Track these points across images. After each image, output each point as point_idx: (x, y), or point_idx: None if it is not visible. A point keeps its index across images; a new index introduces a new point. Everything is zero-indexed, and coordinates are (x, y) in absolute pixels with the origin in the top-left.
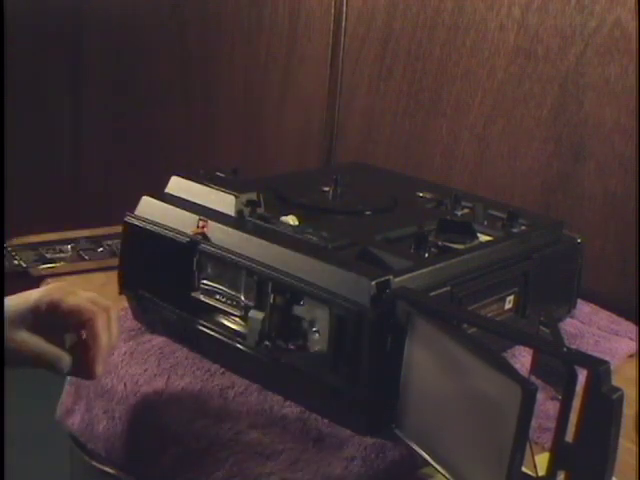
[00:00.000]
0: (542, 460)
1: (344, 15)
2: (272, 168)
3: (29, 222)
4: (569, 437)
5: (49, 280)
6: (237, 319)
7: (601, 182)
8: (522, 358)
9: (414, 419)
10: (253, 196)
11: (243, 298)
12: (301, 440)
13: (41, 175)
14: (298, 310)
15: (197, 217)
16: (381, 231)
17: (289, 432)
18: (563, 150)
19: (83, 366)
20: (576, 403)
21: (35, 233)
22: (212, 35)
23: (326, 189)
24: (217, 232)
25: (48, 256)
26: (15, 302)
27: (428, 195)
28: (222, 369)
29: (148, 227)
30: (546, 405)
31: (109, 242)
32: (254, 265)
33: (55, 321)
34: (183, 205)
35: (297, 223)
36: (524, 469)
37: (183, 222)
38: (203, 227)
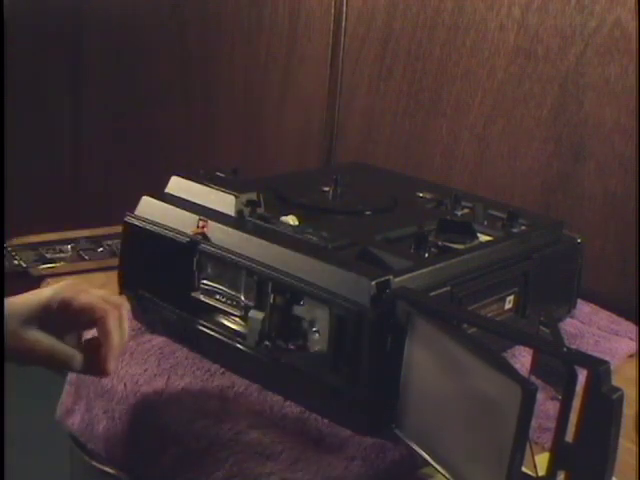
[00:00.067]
0: (542, 460)
1: (344, 15)
2: (272, 168)
3: (29, 222)
4: (569, 437)
5: (49, 280)
6: (237, 319)
7: (601, 182)
8: (522, 358)
9: (414, 419)
10: (253, 196)
11: (243, 298)
12: (301, 440)
13: (41, 175)
14: (298, 310)
15: (197, 217)
16: (381, 231)
17: (289, 432)
18: (563, 150)
19: (95, 364)
20: (576, 403)
21: (35, 233)
22: (212, 35)
23: (326, 189)
24: (217, 232)
25: (48, 256)
26: (27, 300)
27: (428, 195)
28: (222, 369)
29: (148, 227)
30: (546, 405)
31: (109, 242)
32: (254, 265)
33: (67, 319)
34: (183, 205)
35: (297, 223)
36: (524, 469)
37: (183, 222)
38: (203, 227)
